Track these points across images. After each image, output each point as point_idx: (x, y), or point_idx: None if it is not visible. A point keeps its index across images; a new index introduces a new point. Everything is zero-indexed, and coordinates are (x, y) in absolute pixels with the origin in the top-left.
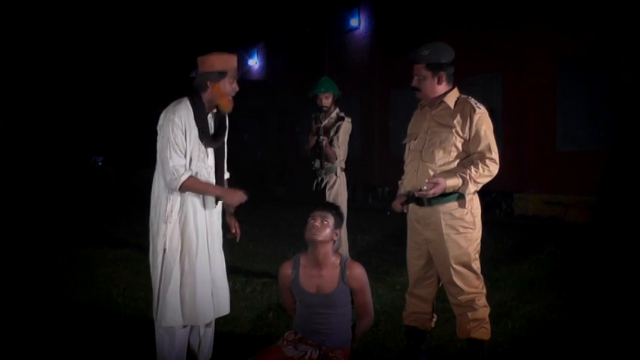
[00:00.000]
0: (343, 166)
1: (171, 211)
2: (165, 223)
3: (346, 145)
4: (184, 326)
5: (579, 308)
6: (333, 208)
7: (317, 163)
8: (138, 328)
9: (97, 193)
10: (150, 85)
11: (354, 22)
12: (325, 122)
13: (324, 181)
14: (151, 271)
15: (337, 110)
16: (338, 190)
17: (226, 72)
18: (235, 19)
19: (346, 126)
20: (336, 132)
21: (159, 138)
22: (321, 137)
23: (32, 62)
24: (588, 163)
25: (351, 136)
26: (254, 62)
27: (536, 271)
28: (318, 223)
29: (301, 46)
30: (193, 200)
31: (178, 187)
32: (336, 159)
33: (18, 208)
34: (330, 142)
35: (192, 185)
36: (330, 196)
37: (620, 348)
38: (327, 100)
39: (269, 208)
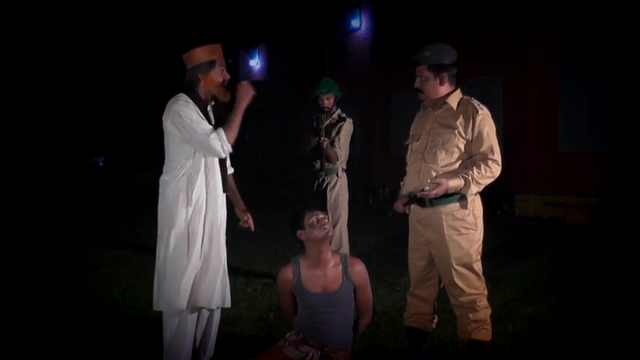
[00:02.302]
0: (344, 167)
1: (192, 196)
2: (186, 207)
3: (347, 146)
4: (192, 313)
5: (580, 310)
6: (323, 208)
7: (318, 164)
8: (138, 328)
9: (98, 194)
10: (150, 85)
11: (355, 22)
12: (326, 123)
13: (325, 182)
14: (165, 258)
15: (339, 111)
16: (339, 190)
17: (214, 61)
18: (237, 19)
19: (347, 127)
20: (338, 133)
21: (173, 129)
22: (322, 138)
23: (32, 62)
24: (589, 165)
25: (352, 136)
26: (255, 63)
27: (537, 272)
28: (326, 221)
29: (302, 47)
30: (209, 186)
31: (230, 146)
32: (337, 160)
33: (19, 208)
34: (332, 143)
35: (231, 134)
36: (331, 197)
37: (620, 349)
38: (328, 101)
39: (270, 209)
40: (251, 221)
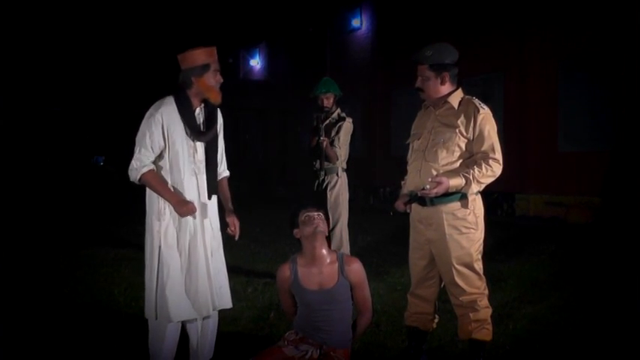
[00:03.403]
0: (344, 167)
1: (165, 208)
2: (159, 220)
3: (347, 146)
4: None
5: (581, 309)
6: (320, 206)
7: (318, 164)
8: (139, 327)
9: (99, 193)
10: (151, 84)
11: (355, 22)
12: (326, 122)
13: (326, 182)
14: (146, 269)
15: (338, 110)
16: (339, 190)
17: (209, 65)
18: (237, 19)
19: (347, 126)
20: (337, 132)
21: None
22: (321, 138)
23: (32, 62)
24: (590, 164)
25: (352, 136)
26: (256, 62)
27: (537, 272)
28: (316, 217)
29: (303, 47)
30: (187, 196)
31: (137, 178)
32: (337, 159)
33: (20, 208)
34: (332, 143)
35: (149, 180)
36: (331, 197)
37: (621, 349)
38: (328, 101)
39: (270, 208)
40: (237, 230)
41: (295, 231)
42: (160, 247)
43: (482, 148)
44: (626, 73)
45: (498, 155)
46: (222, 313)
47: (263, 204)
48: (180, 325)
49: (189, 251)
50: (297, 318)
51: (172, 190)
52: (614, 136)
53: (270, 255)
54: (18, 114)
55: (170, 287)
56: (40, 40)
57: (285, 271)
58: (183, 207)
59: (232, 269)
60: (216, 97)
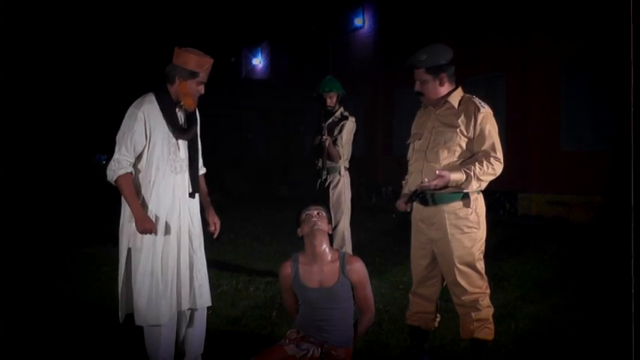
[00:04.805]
0: (347, 166)
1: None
2: (130, 221)
3: (350, 145)
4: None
5: (583, 309)
6: (322, 205)
7: (320, 163)
8: (141, 326)
9: (101, 192)
10: (152, 83)
11: (358, 21)
12: (329, 121)
13: (328, 181)
14: (118, 270)
15: (341, 109)
16: (341, 189)
17: (197, 74)
18: (239, 18)
19: (350, 125)
20: (340, 131)
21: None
22: (323, 137)
23: (33, 60)
24: (592, 163)
25: (355, 135)
26: (258, 61)
27: (539, 271)
28: (315, 215)
29: (305, 46)
30: (161, 197)
31: (113, 179)
32: (340, 158)
33: (22, 207)
34: (334, 142)
35: (122, 184)
36: (333, 196)
37: (623, 349)
38: (331, 100)
39: (272, 207)
40: (218, 228)
41: (298, 230)
42: (129, 248)
43: (483, 147)
44: (627, 73)
45: (499, 154)
46: (224, 312)
47: (265, 203)
48: (175, 326)
49: (161, 253)
50: (299, 317)
51: (139, 203)
52: (616, 135)
53: (272, 254)
54: (19, 113)
55: (141, 290)
56: (41, 38)
57: (286, 269)
58: (143, 225)
59: (234, 268)
60: (190, 105)
